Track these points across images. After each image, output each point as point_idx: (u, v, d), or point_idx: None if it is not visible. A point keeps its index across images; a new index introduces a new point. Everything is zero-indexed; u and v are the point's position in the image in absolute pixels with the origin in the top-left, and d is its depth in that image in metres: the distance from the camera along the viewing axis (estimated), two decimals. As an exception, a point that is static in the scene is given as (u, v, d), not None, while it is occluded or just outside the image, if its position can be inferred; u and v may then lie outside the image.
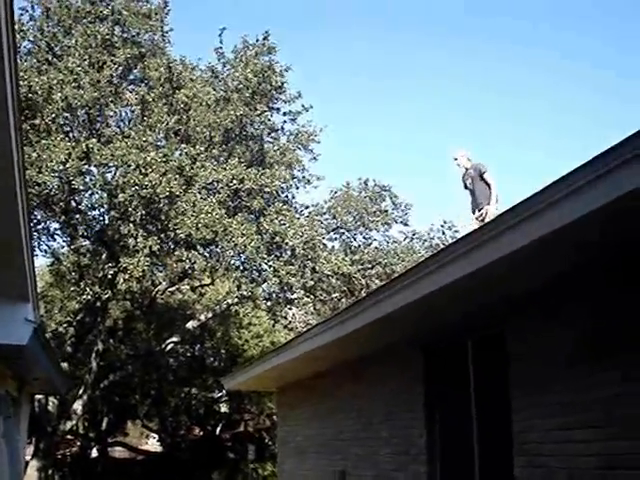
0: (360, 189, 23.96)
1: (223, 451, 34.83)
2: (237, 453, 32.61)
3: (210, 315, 23.97)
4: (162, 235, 17.24)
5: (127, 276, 16.53)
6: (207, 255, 18.63)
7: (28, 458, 22.31)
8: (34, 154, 15.50)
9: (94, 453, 36.63)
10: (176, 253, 17.48)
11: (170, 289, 22.30)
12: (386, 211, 23.62)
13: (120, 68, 18.07)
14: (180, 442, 35.92)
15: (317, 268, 19.42)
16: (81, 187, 16.79)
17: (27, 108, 16.14)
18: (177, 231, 16.28)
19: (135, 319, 24.56)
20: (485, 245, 4.83)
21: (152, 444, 42.64)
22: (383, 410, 8.59)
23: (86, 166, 16.54)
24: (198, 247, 17.34)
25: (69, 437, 29.88)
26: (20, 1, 18.14)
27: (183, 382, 29.47)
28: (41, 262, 25.12)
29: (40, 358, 10.49)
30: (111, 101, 17.91)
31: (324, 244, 21.31)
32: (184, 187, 16.46)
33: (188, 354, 29.97)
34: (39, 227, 20.05)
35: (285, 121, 20.92)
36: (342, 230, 23.60)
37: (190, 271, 20.07)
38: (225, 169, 17.29)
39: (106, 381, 23.77)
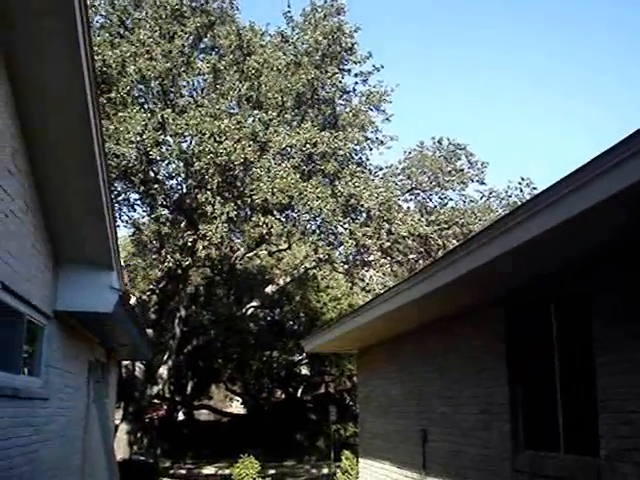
0: (434, 148, 23.63)
1: (305, 413, 35.39)
2: (319, 414, 33.09)
3: (288, 279, 24.22)
4: (239, 201, 17.42)
5: (206, 243, 16.80)
6: (284, 220, 18.75)
7: (117, 422, 23.16)
8: (112, 127, 15.84)
9: (180, 416, 37.78)
10: (253, 219, 17.65)
11: (248, 255, 22.56)
12: (462, 170, 23.25)
13: (191, 38, 18.18)
14: (263, 404, 36.64)
15: (393, 230, 19.32)
16: (158, 157, 17.06)
17: (103, 82, 16.45)
18: (253, 197, 16.42)
19: (215, 285, 25.03)
20: (568, 197, 4.68)
21: (236, 407, 43.67)
22: (465, 369, 8.55)
23: (162, 136, 16.79)
24: (274, 212, 17.46)
25: (156, 401, 30.84)
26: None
27: (264, 346, 29.99)
28: (123, 232, 25.84)
29: (125, 325, 10.82)
30: (183, 71, 18.08)
31: (399, 205, 21.15)
32: (258, 153, 16.54)
33: (268, 318, 30.44)
34: (120, 198, 20.55)
35: (357, 82, 20.71)
36: (417, 191, 23.37)
37: (267, 236, 20.26)
38: (298, 133, 17.29)
39: (189, 346, 24.39)
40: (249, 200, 16.98)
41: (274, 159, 16.89)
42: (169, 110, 16.91)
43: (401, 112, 60.42)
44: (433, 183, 23.10)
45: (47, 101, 6.15)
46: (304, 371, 37.09)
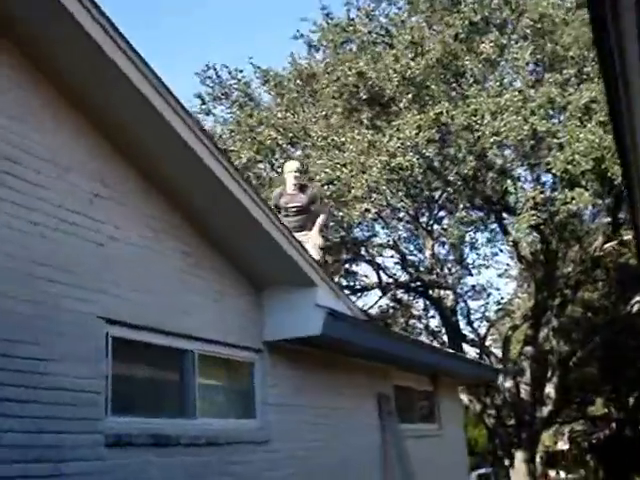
0: None
1: None
2: None
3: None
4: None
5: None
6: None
7: (513, 450, 21.43)
8: (384, 139, 14.56)
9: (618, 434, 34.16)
10: (559, 196, 14.58)
11: (607, 244, 19.04)
12: None
13: (466, 22, 16.13)
14: None
15: None
16: (434, 156, 15.39)
17: (372, 97, 15.52)
18: (551, 169, 13.63)
19: (584, 286, 22.03)
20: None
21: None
22: None
23: (438, 134, 14.92)
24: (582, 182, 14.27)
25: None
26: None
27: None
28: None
29: (364, 344, 9.36)
30: (466, 59, 16.18)
31: None
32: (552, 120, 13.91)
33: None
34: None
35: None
36: None
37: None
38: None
39: (575, 358, 21.82)
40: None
41: (572, 120, 13.83)
42: (445, 103, 14.98)
43: None
44: None
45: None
46: None
